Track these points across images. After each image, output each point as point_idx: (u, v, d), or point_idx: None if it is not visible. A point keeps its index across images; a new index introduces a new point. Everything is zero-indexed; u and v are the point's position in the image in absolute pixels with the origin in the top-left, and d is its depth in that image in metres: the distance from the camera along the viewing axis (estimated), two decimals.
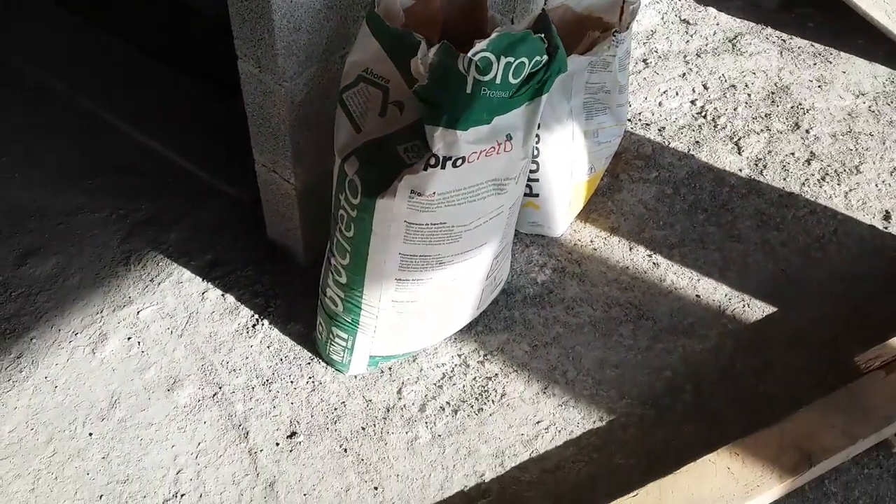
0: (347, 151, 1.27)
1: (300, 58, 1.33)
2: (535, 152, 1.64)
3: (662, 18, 2.36)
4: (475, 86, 1.11)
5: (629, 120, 2.05)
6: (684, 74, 2.18)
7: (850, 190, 1.89)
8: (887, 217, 1.83)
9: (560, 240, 1.77)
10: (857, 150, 1.99)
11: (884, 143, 2.01)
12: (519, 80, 1.15)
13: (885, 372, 1.43)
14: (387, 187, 1.20)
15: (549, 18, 1.23)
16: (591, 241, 1.77)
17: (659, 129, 2.03)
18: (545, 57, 1.17)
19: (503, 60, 1.11)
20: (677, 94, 2.13)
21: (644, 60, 2.23)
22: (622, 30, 1.56)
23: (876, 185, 1.90)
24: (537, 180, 1.68)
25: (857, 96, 2.14)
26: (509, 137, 1.21)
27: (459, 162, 1.16)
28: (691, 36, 2.30)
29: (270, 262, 1.67)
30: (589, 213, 1.83)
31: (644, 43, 2.28)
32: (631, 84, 2.14)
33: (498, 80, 1.12)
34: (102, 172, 1.84)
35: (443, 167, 1.16)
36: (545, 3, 1.83)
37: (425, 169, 1.16)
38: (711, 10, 2.39)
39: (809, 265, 1.73)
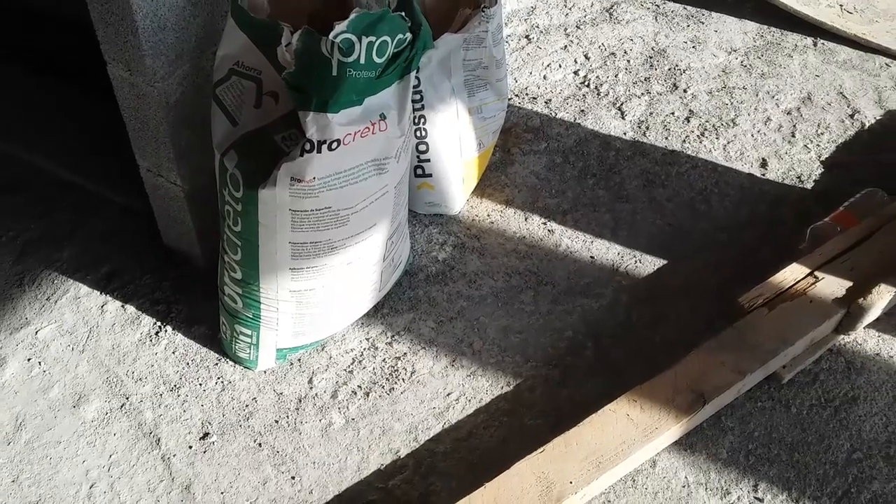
0: (226, 146, 1.27)
1: (170, 57, 1.32)
2: (424, 133, 1.67)
3: None
4: (340, 68, 1.13)
5: (517, 95, 2.10)
6: (566, 47, 2.25)
7: (728, 142, 1.98)
8: (764, 164, 1.93)
9: (458, 217, 1.80)
10: (732, 104, 2.09)
11: (757, 96, 2.11)
12: (384, 59, 1.17)
13: (768, 309, 1.51)
14: (267, 177, 1.21)
15: None
16: (489, 215, 1.81)
17: (545, 102, 2.09)
18: (409, 35, 1.20)
19: (365, 40, 1.13)
20: (560, 66, 2.19)
21: (527, 36, 2.28)
22: (491, 5, 1.60)
23: (752, 136, 2.00)
24: (429, 160, 1.71)
25: (730, 53, 2.24)
26: (383, 117, 1.23)
27: (335, 145, 1.18)
28: (570, 9, 2.37)
29: (168, 268, 1.66)
30: (484, 188, 1.87)
31: (525, 19, 2.33)
32: (515, 60, 2.20)
33: (362, 61, 1.14)
34: None
35: (318, 151, 1.17)
36: None
37: (301, 155, 1.18)
38: None
39: (695, 217, 1.82)
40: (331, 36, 1.11)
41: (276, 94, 1.28)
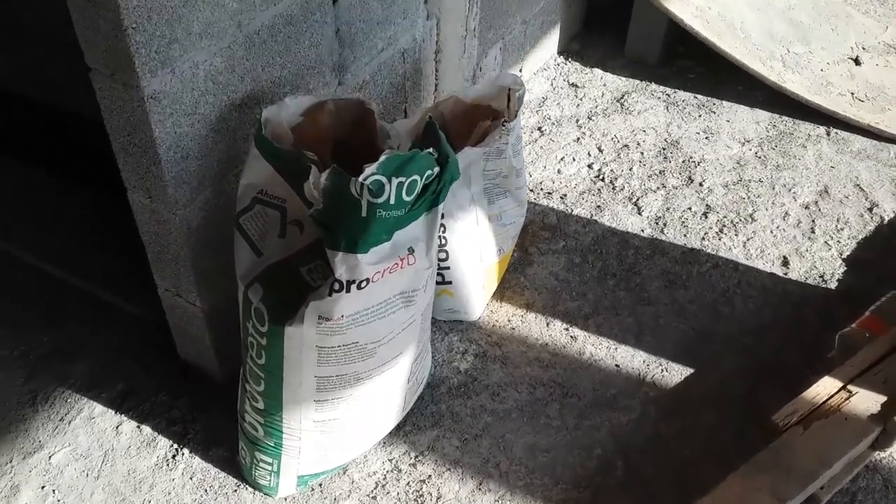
0: (250, 278, 1.25)
1: (192, 184, 1.30)
2: (444, 241, 1.64)
3: (552, 84, 2.43)
4: (370, 208, 1.11)
5: (532, 190, 2.09)
6: (579, 139, 2.25)
7: (748, 239, 1.97)
8: (785, 263, 1.91)
9: (478, 323, 1.77)
10: (749, 198, 2.07)
11: (773, 189, 2.10)
12: (413, 196, 1.16)
13: (803, 427, 1.47)
14: (294, 313, 1.18)
15: (436, 127, 1.25)
16: (509, 321, 1.78)
17: (561, 197, 2.07)
18: (437, 168, 1.19)
19: (395, 181, 1.11)
20: (574, 159, 2.18)
21: (539, 128, 2.28)
22: (511, 118, 1.59)
23: (771, 232, 1.99)
24: (449, 268, 1.68)
25: (743, 144, 2.24)
26: (411, 251, 1.21)
27: (364, 284, 1.16)
28: (581, 99, 2.38)
29: (185, 384, 1.62)
30: (503, 291, 1.84)
31: (537, 111, 2.34)
32: (529, 154, 2.19)
33: (392, 201, 1.12)
34: None
35: (347, 291, 1.15)
36: (435, 96, 1.87)
37: (330, 294, 1.15)
38: (597, 71, 2.48)
39: (718, 320, 1.79)
40: (360, 178, 1.10)
41: (301, 223, 1.26)
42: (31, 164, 2.05)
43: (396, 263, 1.19)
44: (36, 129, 2.16)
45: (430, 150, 1.17)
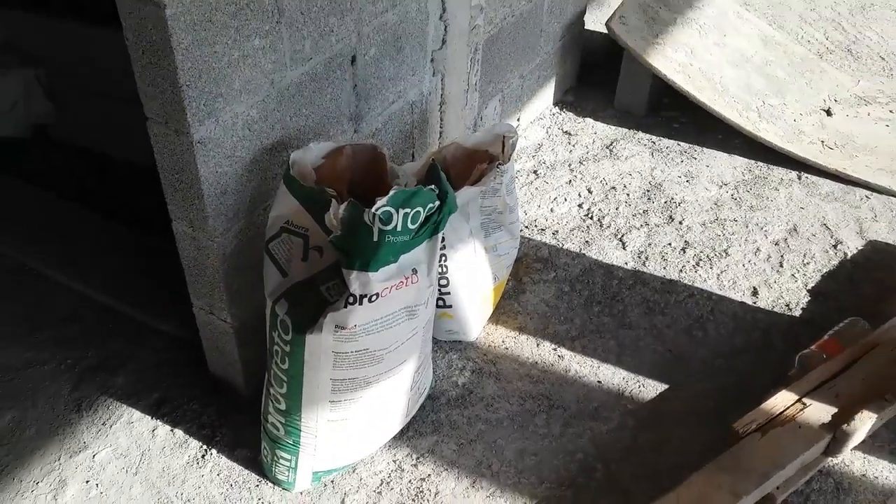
0: (277, 294, 1.46)
1: (228, 216, 1.53)
2: (445, 269, 1.86)
3: (547, 132, 2.66)
4: (380, 234, 1.33)
5: (527, 227, 2.31)
6: (570, 181, 2.47)
7: (722, 272, 2.17)
8: (755, 293, 2.11)
9: (476, 343, 1.97)
10: (724, 235, 2.28)
11: (747, 227, 2.31)
12: (416, 224, 1.37)
13: (761, 434, 1.65)
14: (314, 324, 1.39)
15: (438, 169, 1.47)
16: (503, 342, 1.98)
17: (553, 233, 2.29)
18: (437, 202, 1.41)
19: (401, 212, 1.33)
20: (566, 199, 2.40)
21: (535, 171, 2.51)
22: (505, 161, 1.82)
23: (743, 266, 2.19)
24: (449, 293, 1.89)
25: (721, 186, 2.46)
26: (415, 271, 1.42)
27: (374, 298, 1.37)
28: (574, 146, 2.61)
29: (214, 395, 1.82)
30: (499, 315, 2.05)
31: (533, 156, 2.57)
32: (525, 194, 2.42)
33: (399, 228, 1.34)
34: (47, 325, 1.97)
35: (360, 303, 1.36)
36: (440, 142, 2.10)
37: (345, 306, 1.36)
38: (589, 120, 2.72)
39: (693, 344, 1.98)
40: (373, 209, 1.32)
41: (321, 248, 1.47)
42: (80, 204, 2.30)
43: (402, 281, 1.40)
44: (86, 173, 2.41)
45: (432, 187, 1.39)
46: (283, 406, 1.53)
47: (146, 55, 1.31)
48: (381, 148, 1.58)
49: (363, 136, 1.84)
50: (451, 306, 1.91)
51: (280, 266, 1.48)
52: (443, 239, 1.81)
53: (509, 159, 1.82)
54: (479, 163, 1.86)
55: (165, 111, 1.37)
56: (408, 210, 1.34)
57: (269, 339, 1.50)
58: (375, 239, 1.33)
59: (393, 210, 1.32)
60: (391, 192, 1.32)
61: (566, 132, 2.67)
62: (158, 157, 1.46)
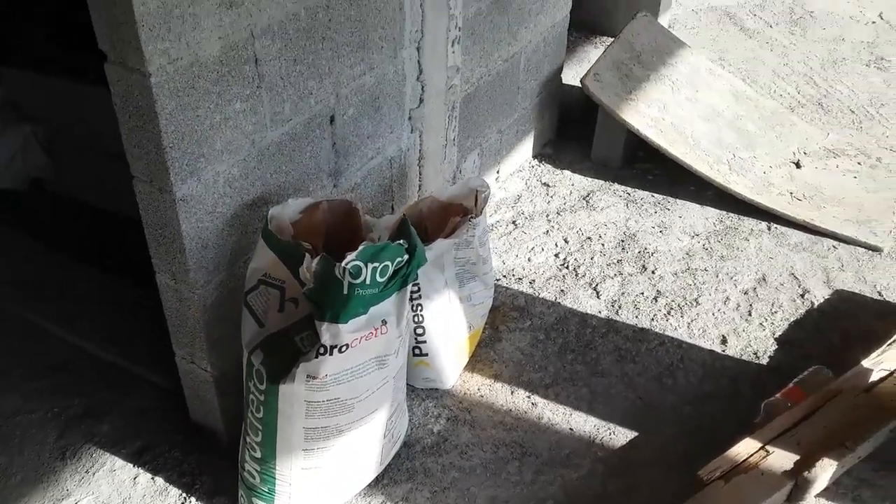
0: (253, 345, 1.52)
1: (209, 269, 1.60)
2: (421, 319, 1.92)
3: (526, 184, 2.75)
4: (350, 287, 1.40)
5: (504, 276, 2.38)
6: (548, 231, 2.55)
7: (692, 321, 2.23)
8: (724, 341, 2.17)
9: (452, 391, 2.03)
10: (695, 284, 2.35)
11: (717, 277, 2.38)
12: (385, 278, 1.44)
13: (724, 481, 1.70)
14: (287, 374, 1.45)
15: (408, 223, 1.55)
16: (479, 389, 2.03)
17: (530, 282, 2.36)
18: (406, 256, 1.48)
19: (370, 266, 1.40)
20: (543, 249, 2.48)
21: (514, 222, 2.59)
22: (477, 214, 1.89)
23: (713, 314, 2.26)
24: (425, 342, 1.95)
25: (693, 237, 2.54)
26: (384, 322, 1.49)
27: (344, 348, 1.43)
28: (551, 197, 2.70)
29: (195, 443, 1.86)
30: (475, 363, 2.10)
31: (512, 207, 2.65)
32: (504, 244, 2.49)
33: (368, 281, 1.41)
34: (37, 374, 2.03)
35: (330, 354, 1.42)
36: (419, 195, 2.18)
37: (316, 357, 1.42)
38: (567, 172, 2.81)
39: (663, 391, 2.04)
40: (343, 263, 1.39)
41: (297, 300, 1.54)
42: (72, 255, 2.37)
43: (371, 332, 1.46)
44: (81, 225, 2.49)
45: (401, 241, 1.47)
46: (258, 454, 1.57)
47: (132, 119, 1.40)
48: (356, 203, 1.65)
49: (342, 191, 1.91)
50: (427, 354, 1.96)
51: (257, 317, 1.54)
52: (418, 289, 1.88)
53: (482, 212, 1.90)
54: (453, 216, 1.94)
55: (150, 170, 1.45)
56: (376, 264, 1.41)
57: (245, 389, 1.56)
58: (345, 292, 1.40)
59: (362, 264, 1.39)
60: (360, 247, 1.39)
61: (545, 184, 2.75)
62: (143, 213, 1.53)
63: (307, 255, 1.45)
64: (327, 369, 1.44)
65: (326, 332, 1.41)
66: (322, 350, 1.42)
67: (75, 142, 2.50)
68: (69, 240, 2.44)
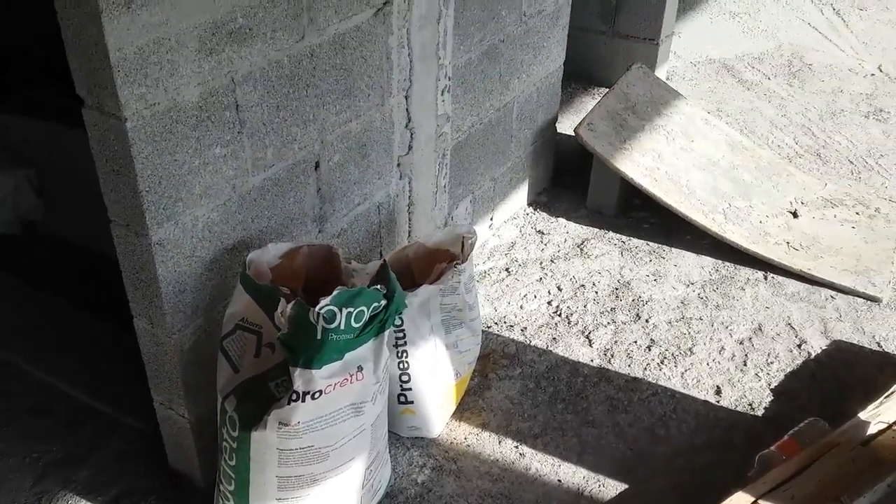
0: (227, 391, 1.50)
1: (187, 313, 1.58)
2: (406, 365, 1.89)
3: (521, 231, 2.74)
4: (324, 333, 1.38)
5: (496, 323, 2.35)
6: (541, 279, 2.53)
7: (686, 370, 2.19)
8: (718, 392, 2.13)
9: (438, 440, 1.99)
10: (689, 333, 2.32)
11: (712, 326, 2.35)
12: (361, 323, 1.43)
13: None
14: (259, 421, 1.43)
15: (388, 269, 1.54)
16: (465, 439, 1.99)
17: (521, 330, 2.33)
18: (384, 301, 1.46)
19: (345, 311, 1.39)
20: (535, 296, 2.46)
21: (507, 269, 2.57)
22: (463, 260, 1.88)
23: (707, 364, 2.21)
24: (410, 389, 1.92)
25: (688, 285, 2.51)
26: (360, 368, 1.47)
27: (317, 395, 1.41)
28: (546, 244, 2.68)
29: (172, 489, 1.83)
30: (463, 412, 2.07)
31: (506, 254, 2.64)
32: (496, 291, 2.47)
33: (342, 327, 1.39)
34: (18, 418, 2.01)
35: (303, 401, 1.40)
36: (409, 241, 2.18)
37: (289, 403, 1.40)
38: (562, 220, 2.80)
39: (654, 442, 1.99)
40: (317, 308, 1.37)
41: (273, 345, 1.52)
42: (63, 296, 2.37)
43: (346, 378, 1.44)
44: (70, 267, 2.50)
45: (378, 286, 1.45)
46: (231, 503, 1.54)
47: (109, 163, 1.40)
48: (336, 248, 1.65)
49: (328, 237, 1.91)
50: (412, 402, 1.93)
51: (232, 362, 1.52)
52: (404, 335, 1.86)
53: (468, 259, 1.89)
54: (440, 262, 1.93)
55: (126, 214, 1.45)
56: (351, 309, 1.39)
57: (219, 436, 1.53)
58: (319, 337, 1.38)
59: (336, 309, 1.38)
60: (335, 292, 1.38)
61: (539, 231, 2.74)
62: (120, 256, 1.53)
63: (282, 299, 1.43)
64: (300, 416, 1.41)
65: (300, 378, 1.39)
66: (294, 396, 1.40)
67: (67, 185, 2.53)
68: (59, 282, 2.44)
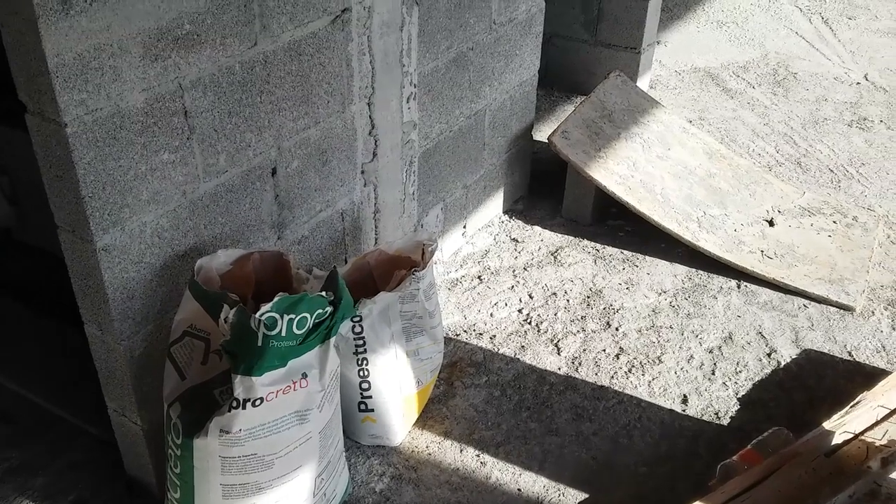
0: (173, 398, 1.49)
1: (136, 320, 1.58)
2: (366, 373, 1.88)
3: (495, 239, 2.73)
4: (264, 339, 1.37)
5: (465, 331, 2.34)
6: (513, 286, 2.52)
7: (653, 379, 2.18)
8: (685, 401, 2.11)
9: (399, 448, 1.97)
10: (659, 342, 2.30)
11: (682, 334, 2.33)
12: (304, 330, 1.42)
13: None
14: (202, 428, 1.42)
15: (337, 275, 1.53)
16: (427, 447, 1.98)
17: (490, 338, 2.32)
18: (329, 308, 1.45)
19: (286, 318, 1.38)
20: (507, 304, 2.44)
21: (479, 277, 2.56)
22: (422, 268, 1.87)
23: (675, 373, 2.20)
24: (371, 397, 1.91)
25: (660, 294, 2.49)
26: (304, 376, 1.46)
27: (258, 402, 1.40)
28: (520, 252, 2.67)
29: (128, 497, 1.82)
30: (426, 420, 2.05)
31: (479, 262, 2.63)
32: (467, 299, 2.46)
33: (283, 333, 1.39)
34: None
35: (244, 408, 1.39)
36: (374, 245, 2.17)
37: (230, 411, 1.39)
38: (537, 228, 2.79)
39: (618, 451, 1.97)
40: (258, 314, 1.36)
41: (221, 352, 1.51)
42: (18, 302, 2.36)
43: (289, 386, 1.43)
44: (40, 274, 2.49)
45: (323, 293, 1.45)
46: None
47: (52, 169, 1.40)
48: (287, 255, 1.64)
49: (288, 243, 1.91)
50: (373, 410, 1.92)
51: (180, 369, 1.52)
52: (364, 343, 1.85)
53: (427, 266, 1.88)
54: (400, 269, 1.92)
55: (71, 220, 1.45)
56: (293, 316, 1.38)
57: (165, 444, 1.52)
58: (260, 344, 1.37)
59: (277, 315, 1.37)
60: (276, 298, 1.37)
61: (514, 239, 2.73)
62: (68, 262, 1.53)
63: (225, 305, 1.43)
64: (241, 423, 1.40)
65: (240, 386, 1.38)
66: (235, 404, 1.39)
67: (41, 192, 2.53)
68: (28, 289, 2.43)
